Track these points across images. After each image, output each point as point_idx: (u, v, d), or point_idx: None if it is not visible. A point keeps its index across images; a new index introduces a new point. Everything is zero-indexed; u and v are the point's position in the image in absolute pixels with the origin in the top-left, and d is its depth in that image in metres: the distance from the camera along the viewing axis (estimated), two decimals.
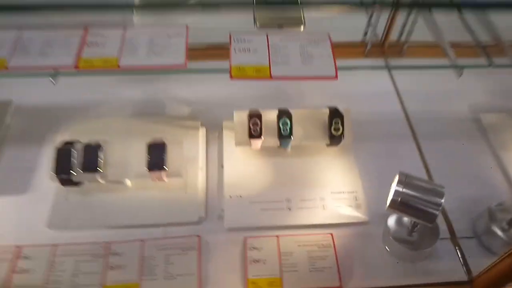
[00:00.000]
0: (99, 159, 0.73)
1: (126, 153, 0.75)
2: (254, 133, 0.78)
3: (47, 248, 0.75)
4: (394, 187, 0.66)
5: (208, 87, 1.01)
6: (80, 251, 0.75)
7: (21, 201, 0.82)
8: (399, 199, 0.64)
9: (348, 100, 0.85)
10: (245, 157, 0.86)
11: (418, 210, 0.64)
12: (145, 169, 0.74)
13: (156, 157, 0.74)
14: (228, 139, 0.89)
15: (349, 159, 0.86)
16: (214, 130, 0.94)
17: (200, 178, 0.83)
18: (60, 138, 0.77)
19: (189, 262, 0.73)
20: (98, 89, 1.00)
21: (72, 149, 0.73)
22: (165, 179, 0.76)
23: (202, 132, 0.91)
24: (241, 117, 0.80)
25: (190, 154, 0.86)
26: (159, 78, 1.03)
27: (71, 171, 0.73)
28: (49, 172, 0.74)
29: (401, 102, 1.01)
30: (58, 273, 0.72)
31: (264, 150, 0.86)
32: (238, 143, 0.81)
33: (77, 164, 0.73)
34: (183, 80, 1.03)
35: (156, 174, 0.74)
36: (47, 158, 0.88)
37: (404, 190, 0.64)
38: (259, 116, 0.79)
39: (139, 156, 0.76)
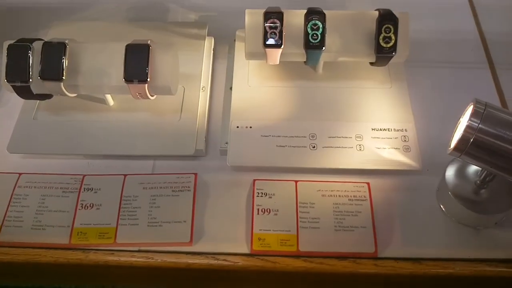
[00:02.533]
0: (62, 63, 0.57)
1: (105, 61, 0.59)
2: (272, 38, 0.60)
3: (6, 176, 0.63)
4: (465, 120, 0.48)
5: None
6: (47, 183, 0.63)
7: None
8: (472, 138, 0.46)
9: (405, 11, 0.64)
10: (260, 77, 0.69)
11: (500, 156, 0.46)
12: (119, 80, 0.58)
13: (135, 65, 0.57)
14: (241, 53, 0.71)
15: (400, 85, 0.67)
16: (225, 42, 0.76)
17: (201, 101, 0.67)
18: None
19: (180, 206, 0.60)
20: None
21: (30, 49, 0.57)
22: (150, 95, 0.60)
23: (208, 43, 0.74)
24: (255, 18, 0.62)
25: (190, 69, 0.69)
26: None
27: (28, 77, 0.58)
28: (2, 80, 0.60)
29: (476, 19, 0.79)
30: (19, 208, 0.61)
31: (285, 68, 0.69)
32: (250, 55, 0.63)
33: (36, 69, 0.58)
34: None
35: (135, 87, 0.58)
36: None
37: (482, 126, 0.46)
38: (280, 16, 0.60)
39: (117, 66, 0.59)
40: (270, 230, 0.57)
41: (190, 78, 0.69)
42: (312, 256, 0.55)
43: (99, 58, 0.59)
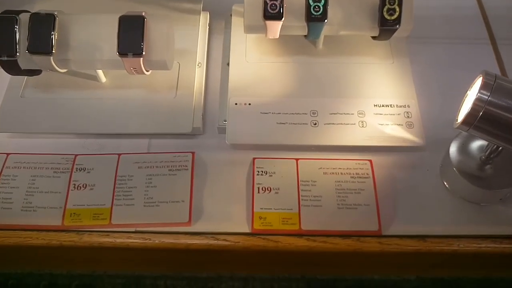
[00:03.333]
0: (52, 35, 0.54)
1: (97, 34, 0.56)
2: (272, 10, 0.58)
3: None
4: (474, 93, 0.46)
5: None
6: (38, 163, 0.60)
7: None
8: (482, 111, 0.45)
9: None
10: (258, 52, 0.67)
11: (510, 129, 0.45)
12: (115, 55, 0.55)
13: (130, 37, 0.54)
14: (238, 28, 0.69)
15: (402, 61, 0.66)
16: (220, 18, 0.74)
17: (197, 78, 0.65)
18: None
19: (178, 185, 0.58)
20: None
21: (16, 21, 0.54)
22: (145, 70, 0.58)
23: (204, 18, 0.71)
24: None
25: (186, 45, 0.67)
26: None
27: (15, 51, 0.55)
28: None
29: None
30: (8, 190, 0.58)
31: (284, 43, 0.67)
32: (249, 28, 0.61)
33: (23, 42, 0.55)
34: None
35: (130, 61, 0.56)
36: None
37: (492, 98, 0.45)
38: None
39: (109, 40, 0.56)
40: (271, 208, 0.56)
41: (186, 54, 0.67)
42: (315, 234, 0.54)
43: (90, 31, 0.57)
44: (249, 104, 0.62)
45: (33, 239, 0.55)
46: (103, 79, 0.64)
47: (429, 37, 0.72)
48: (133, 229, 0.56)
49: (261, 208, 0.56)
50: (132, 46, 0.54)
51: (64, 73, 0.63)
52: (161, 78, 0.64)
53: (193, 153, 0.61)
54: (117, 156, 0.61)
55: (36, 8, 0.69)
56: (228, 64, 0.67)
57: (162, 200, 0.57)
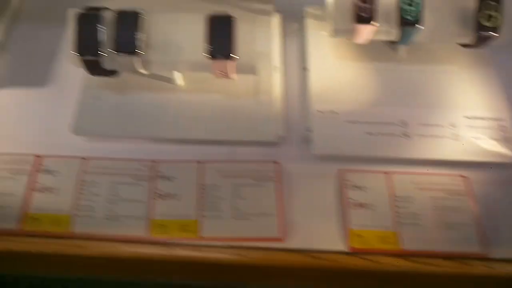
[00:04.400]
0: (138, 35, 0.51)
1: (183, 35, 0.53)
2: (364, 14, 0.55)
3: (75, 161, 0.58)
4: None
5: None
6: (117, 169, 0.58)
7: (40, 96, 0.64)
8: None
9: None
10: (337, 57, 0.64)
11: None
12: (202, 56, 0.52)
13: (221, 39, 0.51)
14: (314, 31, 0.66)
15: (488, 70, 0.63)
16: (291, 20, 0.70)
17: (276, 83, 0.62)
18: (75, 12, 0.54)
19: (265, 197, 0.56)
20: None
21: (100, 19, 0.51)
22: (233, 74, 0.55)
23: (276, 21, 0.68)
24: None
25: (260, 48, 0.63)
26: None
27: (99, 50, 0.52)
28: (71, 53, 0.53)
29: None
30: (89, 197, 0.56)
31: (364, 48, 0.64)
32: (337, 32, 0.58)
33: (107, 41, 0.52)
34: None
35: (219, 64, 0.52)
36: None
37: None
38: None
39: (194, 40, 0.53)
40: (366, 226, 0.54)
41: (261, 58, 0.63)
42: (416, 255, 0.51)
43: (175, 31, 0.53)
44: (334, 112, 0.59)
45: (119, 251, 0.53)
46: (180, 82, 0.61)
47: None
48: (224, 244, 0.53)
49: (356, 225, 0.54)
50: (224, 48, 0.51)
51: (140, 75, 0.60)
52: (239, 82, 0.61)
53: (277, 162, 0.58)
54: (198, 163, 0.58)
55: (109, 4, 0.66)
56: (305, 69, 0.64)
57: (251, 213, 0.55)
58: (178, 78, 0.61)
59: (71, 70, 0.63)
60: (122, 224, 0.54)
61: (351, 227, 0.53)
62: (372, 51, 0.64)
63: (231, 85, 0.61)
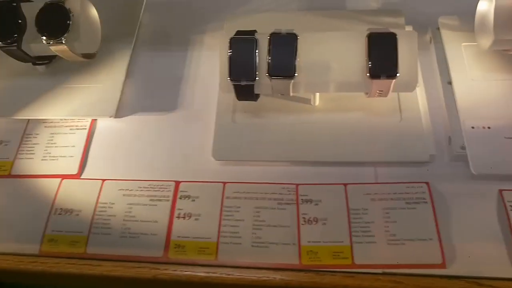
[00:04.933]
0: (296, 57, 0.50)
1: (335, 54, 0.52)
2: None
3: (216, 186, 0.57)
4: None
5: None
6: (259, 193, 0.56)
7: (171, 121, 0.64)
8: None
9: None
10: (481, 69, 0.60)
11: None
12: (357, 76, 0.49)
13: (383, 57, 0.49)
14: (453, 43, 0.62)
15: None
16: (422, 32, 0.67)
17: (418, 99, 0.59)
18: (224, 36, 0.54)
19: (420, 221, 0.52)
20: None
21: (256, 43, 0.50)
22: (390, 92, 0.52)
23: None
24: (503, 0, 0.52)
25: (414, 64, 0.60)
26: None
27: (255, 75, 0.51)
28: (223, 78, 0.53)
29: None
30: (234, 223, 0.54)
31: (507, 59, 0.59)
32: (498, 43, 0.54)
33: (260, 65, 0.51)
34: None
35: (380, 83, 0.50)
36: (194, 65, 0.68)
37: None
38: None
39: (344, 59, 0.52)
40: None
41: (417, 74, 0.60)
42: None
43: (328, 50, 0.52)
44: (489, 127, 0.55)
45: (269, 279, 0.50)
46: (317, 102, 0.59)
47: None
48: (380, 271, 0.50)
49: None
50: (387, 67, 0.49)
51: (274, 97, 0.59)
52: (380, 100, 0.58)
53: (427, 183, 0.54)
54: (343, 186, 0.55)
55: (226, 26, 0.67)
56: (449, 83, 0.59)
57: (407, 238, 0.51)
58: (316, 98, 0.59)
59: (198, 94, 0.65)
60: (270, 251, 0.52)
61: None
62: None
63: (369, 103, 0.58)
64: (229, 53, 0.51)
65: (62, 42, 0.58)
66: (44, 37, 0.58)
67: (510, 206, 0.51)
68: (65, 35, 0.58)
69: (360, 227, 0.52)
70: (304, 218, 0.53)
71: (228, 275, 0.51)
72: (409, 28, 0.65)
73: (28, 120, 0.65)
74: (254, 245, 0.52)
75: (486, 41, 0.55)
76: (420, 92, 0.60)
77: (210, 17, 0.74)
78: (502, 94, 0.57)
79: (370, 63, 0.49)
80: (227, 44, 0.52)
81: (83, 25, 0.60)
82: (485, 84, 0.58)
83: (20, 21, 0.59)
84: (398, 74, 0.49)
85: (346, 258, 0.50)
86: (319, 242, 0.52)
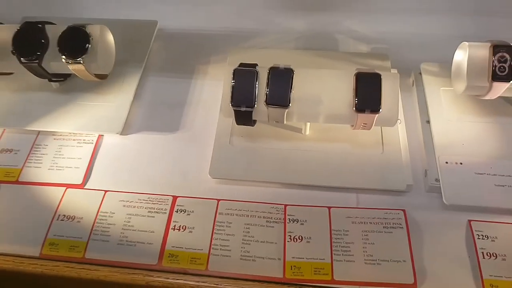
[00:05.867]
0: (290, 89, 0.56)
1: (326, 88, 0.58)
2: (500, 73, 0.57)
3: (210, 202, 0.61)
4: None
5: (393, 23, 0.81)
6: (250, 211, 0.61)
7: (173, 141, 0.69)
8: None
9: None
10: (457, 111, 0.66)
11: None
12: (345, 109, 0.55)
13: (368, 94, 0.55)
14: (432, 87, 0.69)
15: None
16: (406, 75, 0.74)
17: (400, 135, 0.65)
18: (228, 67, 0.60)
19: (395, 244, 0.57)
20: (250, 16, 0.84)
21: (256, 74, 0.57)
22: (373, 125, 0.58)
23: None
24: (476, 51, 0.59)
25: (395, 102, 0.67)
26: (326, 7, 0.84)
27: (254, 103, 0.57)
28: (225, 104, 0.59)
29: None
30: (224, 236, 0.59)
31: (480, 103, 0.66)
32: (470, 89, 0.61)
33: (259, 95, 0.57)
34: (358, 11, 0.83)
35: (364, 117, 0.56)
36: (198, 92, 0.74)
37: None
38: (510, 49, 0.57)
39: (335, 94, 0.58)
40: (502, 277, 0.53)
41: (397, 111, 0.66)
42: None
43: (320, 85, 0.58)
44: (461, 163, 0.61)
45: None
46: (308, 131, 0.65)
47: None
48: (356, 287, 0.54)
49: (490, 275, 0.53)
50: (371, 103, 0.55)
51: (269, 124, 0.64)
52: (364, 133, 0.64)
53: (404, 210, 0.59)
54: (327, 209, 0.60)
55: (230, 59, 0.73)
56: (427, 122, 0.66)
57: (383, 259, 0.56)
58: (307, 128, 0.64)
59: (199, 118, 0.71)
60: (257, 265, 0.56)
61: (485, 277, 0.53)
62: (492, 106, 0.66)
63: (355, 135, 0.64)
64: (232, 82, 0.57)
65: (80, 62, 0.64)
66: (64, 56, 0.64)
67: (477, 235, 0.57)
68: (84, 56, 0.64)
69: (341, 247, 0.57)
70: (290, 235, 0.58)
71: (217, 285, 0.55)
72: (394, 71, 0.72)
73: (39, 131, 0.70)
74: (242, 258, 0.57)
75: (460, 87, 0.62)
76: (401, 129, 0.66)
77: (214, 50, 0.80)
78: (474, 134, 0.64)
79: (356, 98, 0.56)
80: (231, 74, 0.59)
81: (100, 48, 0.66)
82: (460, 124, 0.65)
83: (43, 40, 0.64)
84: (380, 110, 0.55)
85: (327, 274, 0.55)
86: (303, 258, 0.56)
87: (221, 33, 0.83)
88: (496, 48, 0.57)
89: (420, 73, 0.71)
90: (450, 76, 0.66)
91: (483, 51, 0.59)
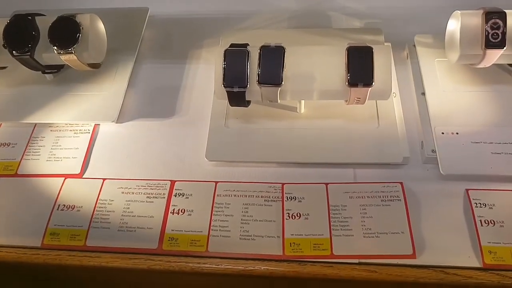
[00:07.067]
0: (282, 67, 0.56)
1: (319, 65, 0.57)
2: (494, 40, 0.56)
3: (204, 184, 0.62)
4: None
5: None
6: (248, 191, 0.61)
7: (169, 126, 0.69)
8: None
9: None
10: (452, 81, 0.66)
11: None
12: (338, 85, 0.55)
13: (360, 67, 0.55)
14: (427, 58, 0.69)
15: None
16: (400, 48, 0.73)
17: (395, 108, 0.64)
18: (220, 49, 0.60)
19: (394, 216, 0.57)
20: None
21: (247, 54, 0.56)
22: (366, 100, 0.57)
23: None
24: (468, 20, 0.59)
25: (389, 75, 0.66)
26: None
27: (246, 83, 0.56)
28: (218, 86, 0.59)
29: None
30: (223, 218, 0.59)
31: (476, 72, 0.65)
32: (464, 57, 0.60)
33: (251, 74, 0.57)
34: None
35: (358, 91, 0.56)
36: (191, 77, 0.74)
37: None
38: (502, 16, 0.56)
39: (326, 70, 0.58)
40: (499, 243, 0.53)
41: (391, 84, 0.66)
42: None
43: (312, 62, 0.58)
44: (457, 133, 0.60)
45: (255, 269, 0.55)
46: (302, 109, 0.65)
47: None
48: (356, 261, 0.54)
49: (489, 242, 0.53)
50: (363, 76, 0.55)
51: (263, 104, 0.64)
52: (359, 108, 0.64)
53: (401, 183, 0.59)
54: (324, 185, 0.60)
55: (223, 41, 0.73)
56: (423, 94, 0.65)
57: (381, 231, 0.56)
58: (302, 106, 0.64)
59: (194, 103, 0.71)
60: (256, 244, 0.56)
61: (483, 243, 0.53)
62: (487, 75, 0.65)
63: (351, 111, 0.64)
64: (223, 63, 0.57)
65: (71, 52, 0.64)
66: (55, 47, 0.64)
67: (475, 203, 0.56)
68: (75, 46, 0.64)
69: (339, 222, 0.57)
70: (288, 213, 0.58)
71: (218, 265, 0.56)
72: (387, 45, 0.72)
73: (35, 124, 0.70)
74: (241, 238, 0.57)
75: (454, 56, 0.61)
76: (396, 102, 0.65)
77: (207, 34, 0.80)
78: (469, 103, 0.63)
79: (348, 73, 0.55)
80: (222, 55, 0.58)
81: (91, 37, 0.66)
82: (455, 94, 0.64)
83: (34, 32, 0.64)
84: (373, 83, 0.55)
85: (326, 250, 0.55)
86: (301, 235, 0.56)
87: (213, 17, 0.83)
88: (489, 15, 0.57)
89: (414, 46, 0.71)
90: (444, 47, 0.65)
91: (476, 19, 0.58)
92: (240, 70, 0.56)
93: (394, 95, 0.66)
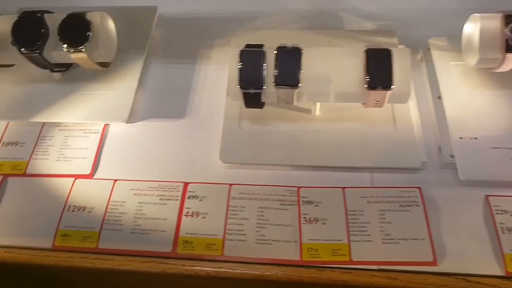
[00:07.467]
0: (299, 69, 0.54)
1: (336, 67, 0.56)
2: None
3: (218, 187, 0.60)
4: None
5: None
6: (262, 195, 0.60)
7: (180, 127, 0.68)
8: None
9: None
10: (468, 86, 0.65)
11: None
12: (355, 87, 0.54)
13: (379, 70, 0.54)
14: (442, 62, 0.68)
15: None
16: (414, 51, 0.72)
17: (410, 111, 0.64)
18: (232, 49, 0.58)
19: (413, 222, 0.55)
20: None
21: (263, 55, 0.55)
22: (385, 103, 0.56)
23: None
24: (488, 23, 0.58)
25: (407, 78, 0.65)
26: None
27: (262, 84, 0.55)
28: (232, 87, 0.57)
29: None
30: (239, 221, 0.58)
31: (499, 77, 0.64)
32: (483, 61, 0.59)
33: (268, 75, 0.55)
34: None
35: (377, 94, 0.55)
36: (202, 77, 0.73)
37: None
38: None
39: (344, 72, 0.56)
40: None
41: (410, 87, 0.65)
42: None
43: (330, 64, 0.57)
44: (475, 138, 0.59)
45: (272, 274, 0.54)
46: (318, 112, 0.64)
47: None
48: (375, 267, 0.53)
49: (511, 250, 0.52)
50: (383, 79, 0.53)
51: (278, 106, 0.63)
52: (375, 111, 0.63)
53: (419, 188, 0.58)
54: (341, 189, 0.59)
55: (233, 41, 0.72)
56: (439, 97, 0.64)
57: (401, 237, 0.55)
58: (317, 108, 0.63)
59: (205, 103, 0.69)
60: (273, 248, 0.55)
61: (506, 251, 0.52)
62: (504, 79, 0.64)
63: (365, 113, 0.63)
64: (239, 64, 0.56)
65: (82, 51, 0.62)
66: (65, 45, 0.62)
67: (496, 210, 0.56)
68: (85, 44, 0.62)
69: (357, 227, 0.56)
70: (305, 218, 0.57)
71: (233, 269, 0.54)
72: (406, 48, 0.70)
73: (44, 123, 0.68)
74: (258, 242, 0.56)
75: (472, 60, 0.60)
76: (412, 105, 0.64)
77: (217, 34, 0.79)
78: (487, 108, 0.62)
79: (367, 75, 0.54)
80: (237, 56, 0.57)
81: (102, 35, 0.64)
82: (472, 99, 0.63)
83: (43, 30, 0.63)
84: (393, 86, 0.54)
85: (345, 255, 0.54)
86: (319, 240, 0.55)
87: (223, 16, 0.81)
88: (509, 18, 0.56)
89: (429, 48, 0.70)
90: (460, 50, 0.64)
91: (495, 22, 0.57)
92: (256, 71, 0.55)
93: (410, 99, 0.64)
